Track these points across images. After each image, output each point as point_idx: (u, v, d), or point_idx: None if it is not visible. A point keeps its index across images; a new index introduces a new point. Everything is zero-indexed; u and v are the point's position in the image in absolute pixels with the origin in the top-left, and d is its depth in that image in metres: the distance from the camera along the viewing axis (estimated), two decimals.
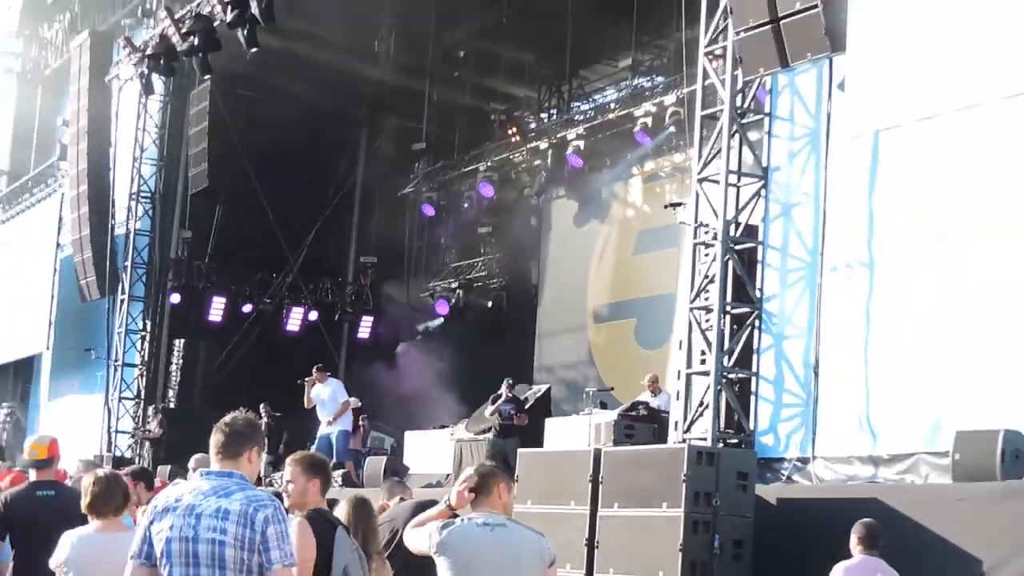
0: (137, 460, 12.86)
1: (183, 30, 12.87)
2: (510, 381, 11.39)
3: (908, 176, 7.93)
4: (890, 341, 7.76)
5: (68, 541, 3.52)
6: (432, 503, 3.83)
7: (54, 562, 3.52)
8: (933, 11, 7.91)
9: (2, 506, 4.15)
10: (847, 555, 5.45)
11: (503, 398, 10.38)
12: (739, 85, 8.45)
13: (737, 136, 8.34)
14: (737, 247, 8.26)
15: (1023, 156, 7.21)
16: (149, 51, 13.54)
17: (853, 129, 8.13)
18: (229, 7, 11.60)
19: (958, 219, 7.55)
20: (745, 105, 8.62)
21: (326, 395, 10.51)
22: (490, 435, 10.68)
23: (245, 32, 11.82)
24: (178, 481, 4.76)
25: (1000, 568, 5.87)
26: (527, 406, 10.66)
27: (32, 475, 4.30)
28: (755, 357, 8.54)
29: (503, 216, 14.95)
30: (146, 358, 15.15)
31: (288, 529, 2.41)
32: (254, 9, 11.32)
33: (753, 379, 8.48)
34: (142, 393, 15.08)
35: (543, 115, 15.28)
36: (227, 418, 2.42)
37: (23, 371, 19.65)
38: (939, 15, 7.83)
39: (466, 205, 14.85)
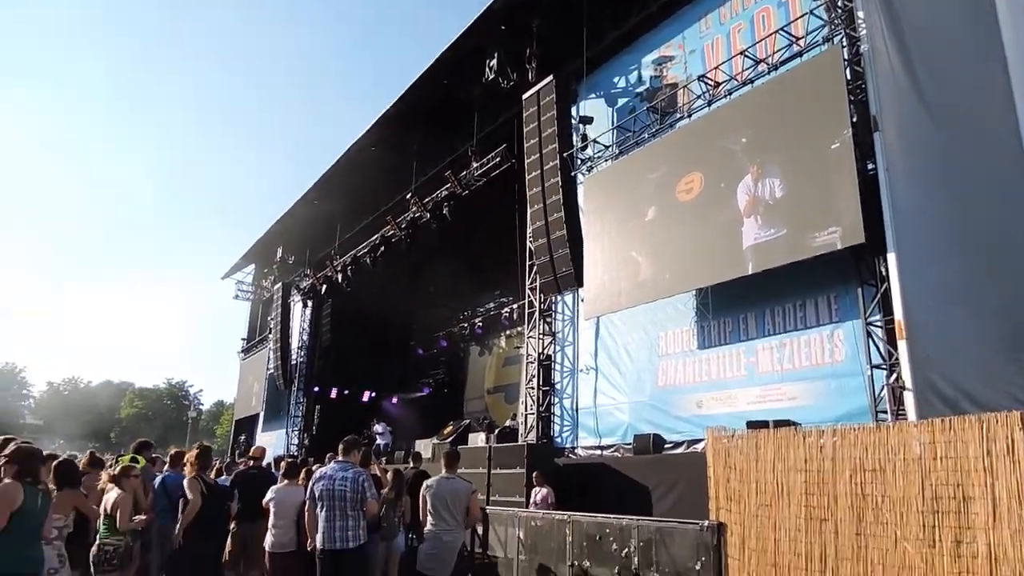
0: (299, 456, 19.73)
1: (320, 289, 24.26)
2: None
3: (615, 337, 11.90)
4: (604, 401, 11.61)
5: (272, 492, 6.41)
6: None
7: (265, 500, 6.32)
8: (623, 246, 11.18)
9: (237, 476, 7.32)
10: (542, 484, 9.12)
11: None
12: (544, 302, 13.37)
13: (543, 325, 13.51)
14: (543, 363, 13.23)
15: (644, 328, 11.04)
16: (305, 292, 26.07)
17: (585, 315, 12.30)
18: (331, 284, 23.75)
19: (633, 353, 11.41)
20: (545, 308, 13.51)
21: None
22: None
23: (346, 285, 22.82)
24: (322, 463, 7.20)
25: (661, 497, 8.64)
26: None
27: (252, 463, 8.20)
28: (553, 407, 12.70)
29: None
30: (304, 413, 25.99)
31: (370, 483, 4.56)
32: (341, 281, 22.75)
33: (552, 416, 12.64)
34: (303, 429, 25.42)
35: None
36: (344, 439, 5.00)
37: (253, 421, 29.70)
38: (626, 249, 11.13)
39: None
